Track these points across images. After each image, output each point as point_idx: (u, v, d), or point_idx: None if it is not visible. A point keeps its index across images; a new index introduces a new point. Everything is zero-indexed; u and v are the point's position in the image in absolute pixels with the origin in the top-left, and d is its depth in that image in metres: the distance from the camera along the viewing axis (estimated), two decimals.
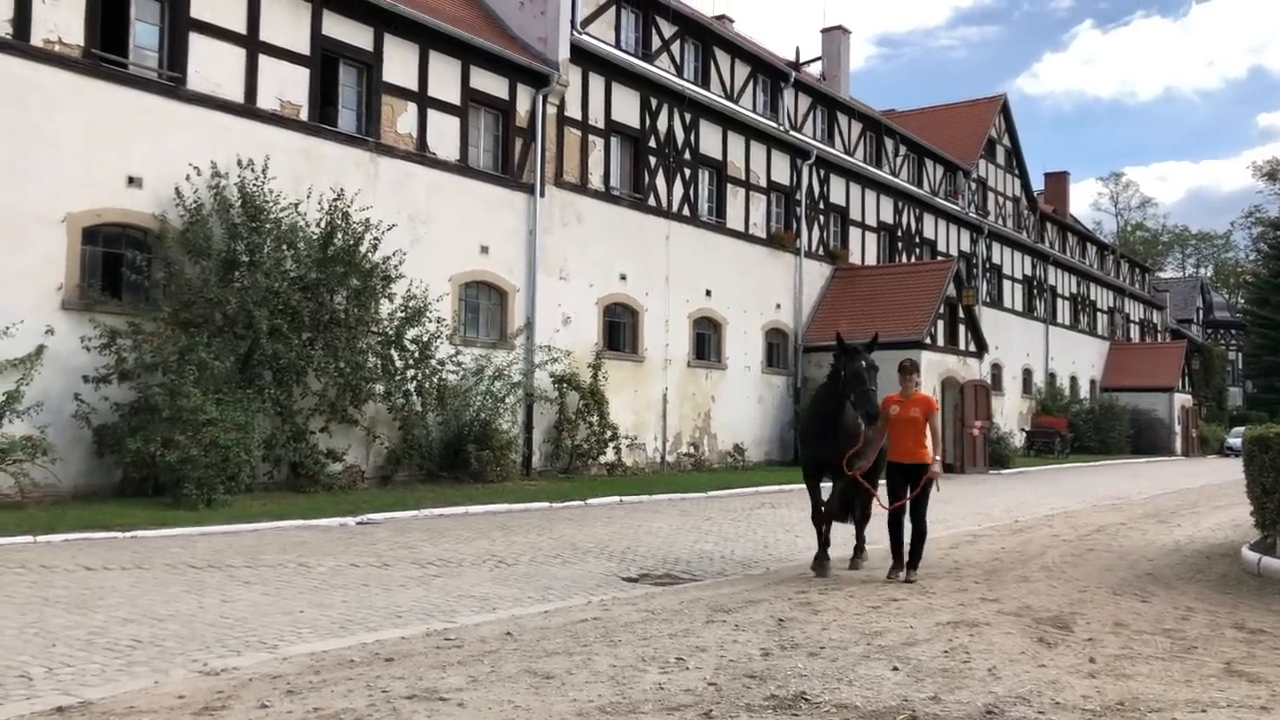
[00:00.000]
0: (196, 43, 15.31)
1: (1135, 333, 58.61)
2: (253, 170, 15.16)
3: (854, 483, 9.62)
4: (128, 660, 5.84)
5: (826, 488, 9.91)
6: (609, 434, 21.07)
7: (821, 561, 9.55)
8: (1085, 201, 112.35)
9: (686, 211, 24.92)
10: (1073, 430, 41.58)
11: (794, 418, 26.93)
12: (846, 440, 9.51)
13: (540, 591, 8.45)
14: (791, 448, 26.82)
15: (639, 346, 23.29)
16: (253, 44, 16.03)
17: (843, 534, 10.37)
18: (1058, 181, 55.90)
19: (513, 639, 6.45)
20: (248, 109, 15.89)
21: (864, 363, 9.29)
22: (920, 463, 9.34)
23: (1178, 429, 48.12)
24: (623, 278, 22.90)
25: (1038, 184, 51.90)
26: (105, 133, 14.17)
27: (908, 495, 9.39)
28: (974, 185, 41.01)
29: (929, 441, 9.40)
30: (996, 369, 38.52)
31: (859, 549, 10.11)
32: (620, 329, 23.18)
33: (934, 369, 27.57)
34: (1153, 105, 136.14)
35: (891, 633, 6.90)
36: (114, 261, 14.44)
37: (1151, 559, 11.11)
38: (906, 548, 9.42)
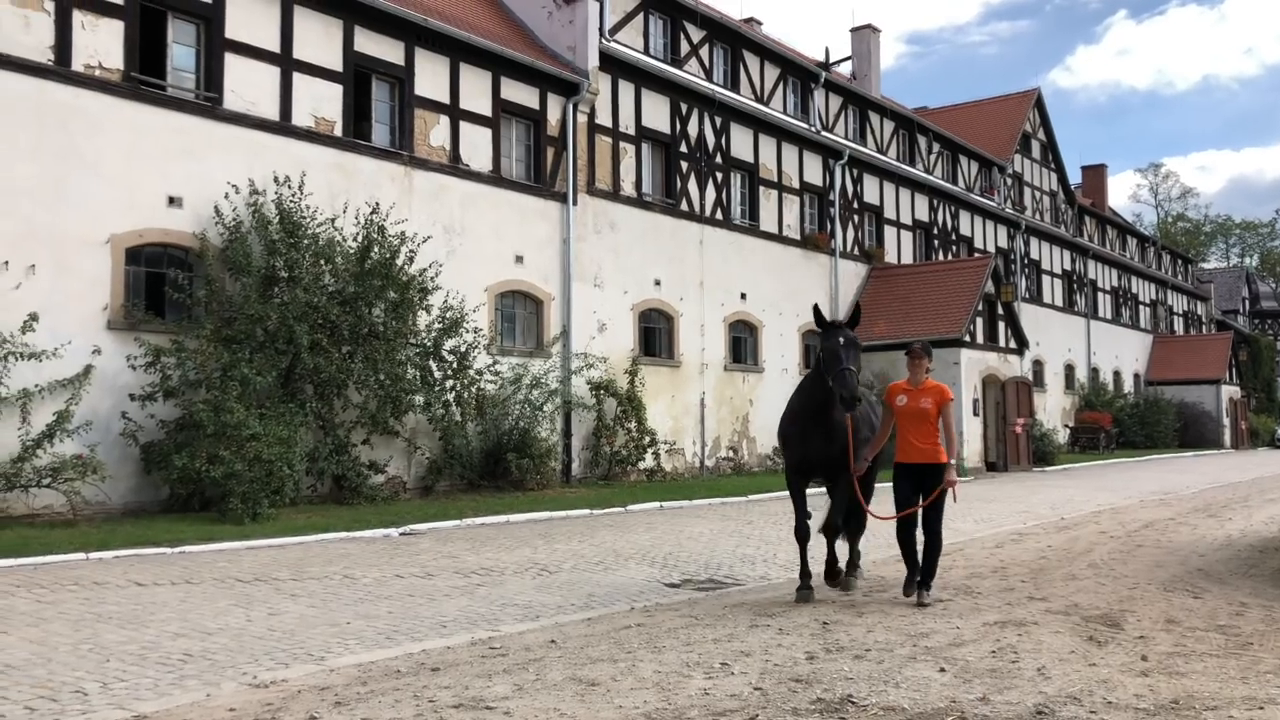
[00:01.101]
0: (232, 63, 15.54)
1: (1179, 325, 57.70)
2: (289, 187, 15.35)
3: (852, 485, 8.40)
4: (179, 674, 5.92)
5: (819, 501, 8.77)
6: (647, 439, 21.07)
7: (806, 591, 8.16)
8: (1124, 194, 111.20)
9: (719, 215, 24.89)
10: (1117, 425, 41.03)
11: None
12: (839, 437, 8.15)
13: (583, 599, 8.47)
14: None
15: (675, 351, 23.28)
16: (286, 62, 16.24)
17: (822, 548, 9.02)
18: (1095, 174, 55.19)
19: (557, 646, 6.47)
20: (283, 126, 16.10)
21: (841, 339, 7.84)
22: (933, 463, 8.02)
23: (1226, 421, 47.31)
24: (657, 283, 22.91)
25: (1075, 177, 51.32)
26: (145, 154, 14.42)
27: (919, 503, 8.04)
28: (1009, 180, 40.62)
29: (942, 438, 8.12)
30: (1038, 365, 38.10)
31: (852, 564, 8.95)
32: (656, 334, 23.19)
33: (974, 367, 27.32)
34: (1190, 95, 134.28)
35: (937, 634, 6.83)
36: (156, 281, 14.67)
37: (1203, 554, 10.93)
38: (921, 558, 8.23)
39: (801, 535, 8.43)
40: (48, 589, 8.62)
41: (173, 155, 14.69)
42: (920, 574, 8.06)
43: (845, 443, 8.13)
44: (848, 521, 8.78)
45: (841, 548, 8.88)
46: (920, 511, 8.06)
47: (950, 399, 8.20)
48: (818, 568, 8.56)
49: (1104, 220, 50.80)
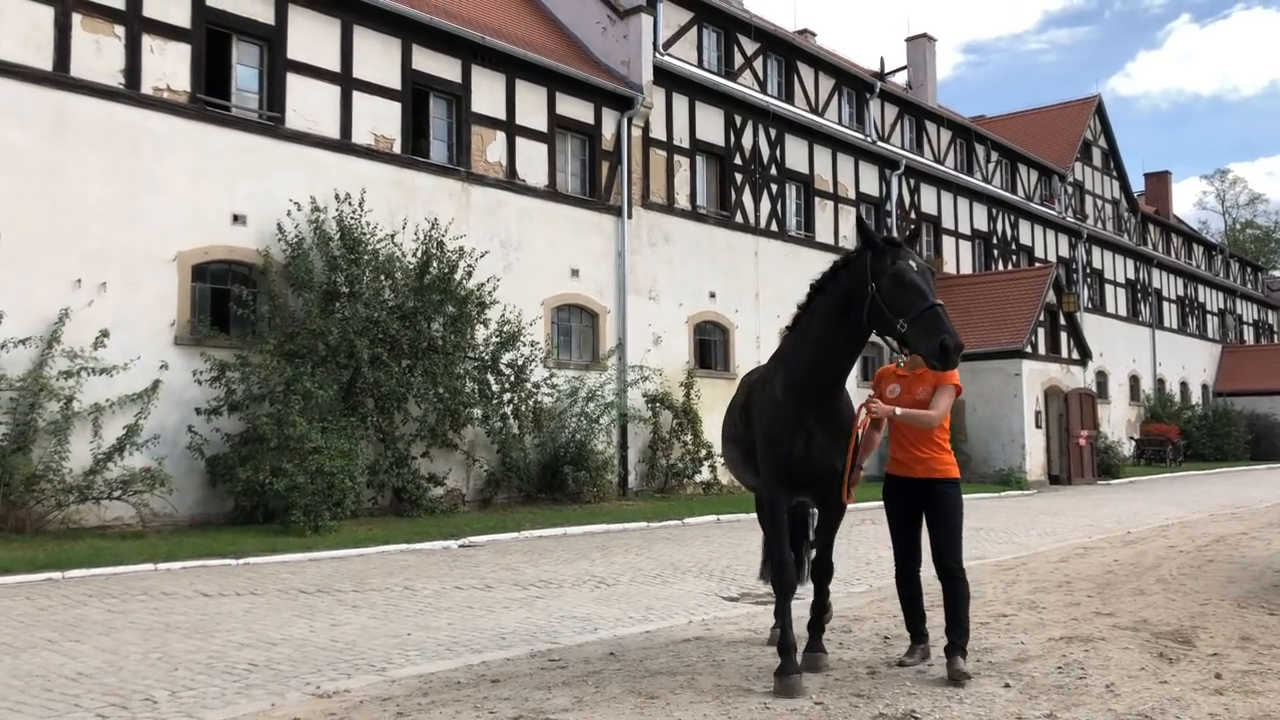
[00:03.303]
0: (294, 83, 15.86)
1: (1249, 334, 56.23)
2: (350, 203, 15.60)
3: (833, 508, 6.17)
4: (245, 683, 6.02)
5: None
6: (704, 452, 21.02)
7: (796, 678, 5.59)
8: (1189, 201, 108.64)
9: (774, 227, 24.81)
10: (1185, 437, 40.03)
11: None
12: (846, 435, 5.93)
13: (641, 611, 8.45)
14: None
15: (730, 364, 23.21)
16: (346, 81, 16.53)
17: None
18: (1159, 182, 54.08)
19: (616, 659, 6.46)
20: (343, 144, 16.38)
21: (915, 264, 5.54)
22: (940, 478, 6.04)
23: None
24: (712, 295, 22.88)
25: (1137, 185, 50.34)
26: (211, 173, 14.76)
27: (920, 525, 6.17)
28: (1070, 189, 39.96)
29: (948, 437, 6.20)
30: (1101, 376, 37.36)
31: (818, 624, 6.30)
32: (711, 347, 23.15)
33: (1036, 378, 26.86)
34: (1257, 99, 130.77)
35: (1002, 649, 6.71)
36: (221, 297, 14.98)
37: (1278, 570, 10.61)
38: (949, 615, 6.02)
39: (789, 579, 5.98)
40: (118, 599, 8.82)
41: (237, 174, 15.02)
42: (951, 629, 5.94)
43: (850, 444, 5.98)
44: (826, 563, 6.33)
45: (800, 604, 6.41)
46: (925, 545, 6.16)
47: (953, 383, 6.02)
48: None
49: (1169, 228, 49.74)
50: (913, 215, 29.91)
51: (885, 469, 6.33)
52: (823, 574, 6.31)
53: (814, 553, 6.42)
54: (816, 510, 6.51)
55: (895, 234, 5.82)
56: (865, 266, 5.67)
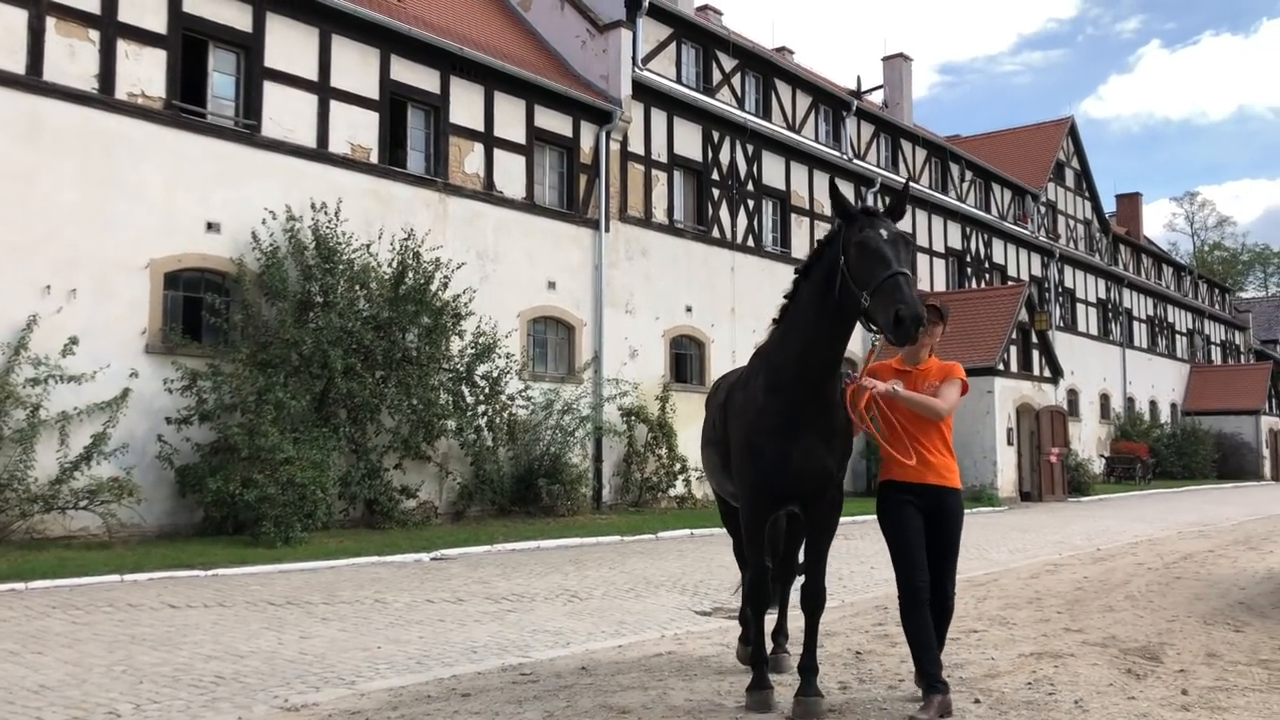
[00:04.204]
0: (271, 91, 15.79)
1: (1217, 354, 56.91)
2: (326, 213, 15.53)
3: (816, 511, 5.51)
4: (211, 696, 5.95)
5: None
6: (678, 466, 21.02)
7: (766, 693, 5.48)
8: (1159, 223, 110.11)
9: (751, 242, 24.91)
10: (1154, 455, 40.45)
11: (865, 446, 26.57)
12: (841, 436, 5.44)
13: (614, 626, 8.43)
14: (864, 476, 26.46)
15: (706, 378, 23.23)
16: (324, 90, 16.48)
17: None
18: (1130, 203, 54.73)
19: (588, 674, 6.43)
20: (320, 153, 16.32)
21: (884, 231, 5.05)
22: (952, 486, 5.51)
23: (1266, 452, 46.51)
24: (688, 310, 22.93)
25: (1109, 206, 50.88)
26: (185, 180, 14.65)
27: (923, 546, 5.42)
28: (1043, 209, 40.38)
29: (950, 442, 5.55)
30: (1073, 394, 37.70)
31: (810, 667, 5.45)
32: (687, 360, 23.18)
33: (1008, 395, 27.06)
34: (1225, 124, 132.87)
35: (972, 664, 6.74)
36: (194, 305, 14.87)
37: (1244, 587, 10.72)
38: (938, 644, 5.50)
39: (763, 596, 5.63)
40: (83, 610, 8.70)
41: (212, 181, 14.92)
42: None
43: (846, 446, 5.48)
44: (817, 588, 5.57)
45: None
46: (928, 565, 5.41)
47: (960, 377, 5.53)
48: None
49: (1139, 249, 50.33)
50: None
51: (879, 476, 5.60)
52: (814, 603, 5.51)
53: (801, 578, 5.69)
54: (804, 528, 5.75)
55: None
56: (839, 239, 5.19)
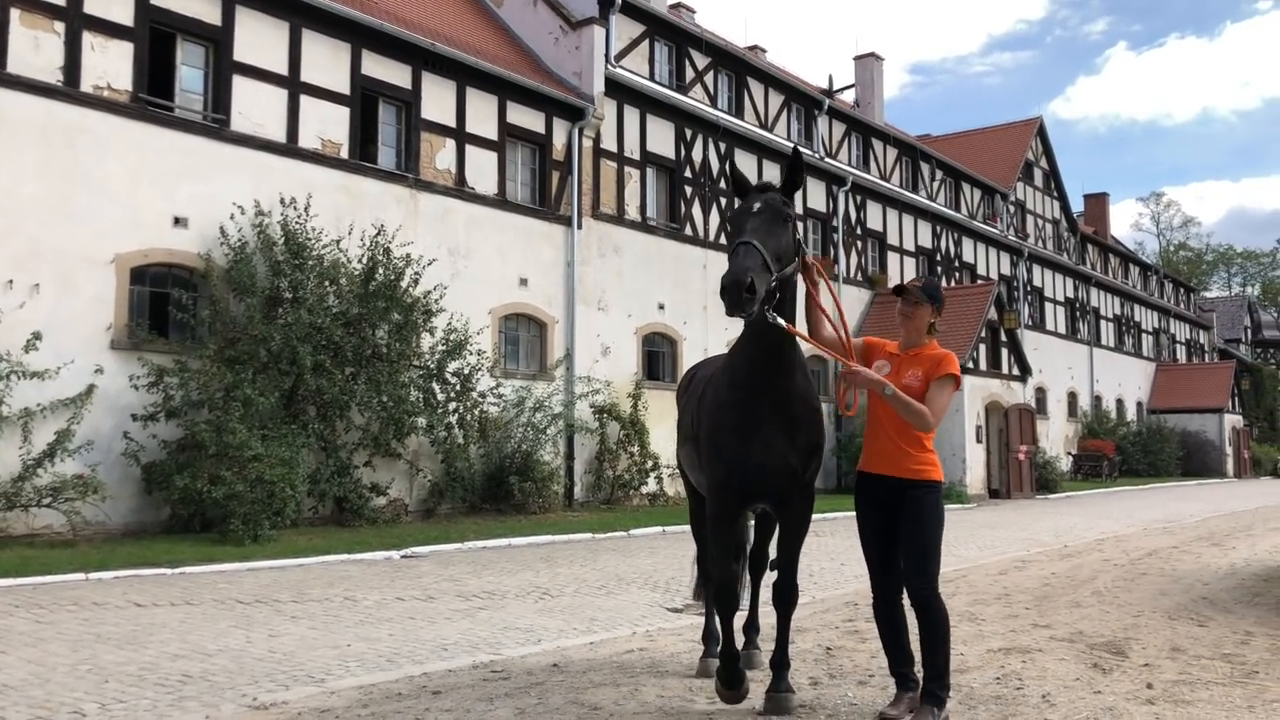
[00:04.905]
0: (240, 85, 15.63)
1: (1182, 353, 57.68)
2: (295, 208, 15.40)
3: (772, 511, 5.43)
4: (178, 695, 5.88)
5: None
6: (650, 464, 21.03)
7: (734, 670, 5.36)
8: (1126, 223, 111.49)
9: (723, 240, 24.94)
10: (1120, 453, 40.94)
11: (836, 444, 26.73)
12: (808, 428, 5.25)
13: (585, 623, 8.42)
14: (835, 474, 26.60)
15: (678, 376, 23.24)
16: (294, 85, 16.33)
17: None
18: (1097, 203, 55.34)
19: (559, 671, 6.42)
20: (290, 148, 16.17)
21: (758, 203, 4.91)
22: (914, 479, 5.08)
23: (1229, 450, 47.18)
24: (661, 307, 22.93)
25: (1077, 206, 51.43)
26: (152, 174, 14.48)
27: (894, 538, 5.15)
28: (1012, 208, 40.73)
29: (930, 435, 5.12)
30: (1041, 393, 38.06)
31: (782, 661, 5.49)
32: (659, 358, 23.19)
33: (977, 394, 27.28)
34: (1189, 126, 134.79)
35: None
36: (161, 301, 14.70)
37: (1207, 583, 10.87)
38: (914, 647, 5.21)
39: (731, 598, 5.44)
40: (46, 609, 8.58)
41: (179, 176, 14.75)
42: (927, 670, 5.08)
43: (818, 439, 5.28)
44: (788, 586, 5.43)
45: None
46: (904, 562, 5.13)
47: (949, 373, 5.14)
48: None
49: (1106, 248, 50.89)
50: (859, 231, 30.27)
51: (858, 467, 5.35)
52: (786, 600, 5.38)
53: (774, 575, 5.56)
54: (776, 525, 5.65)
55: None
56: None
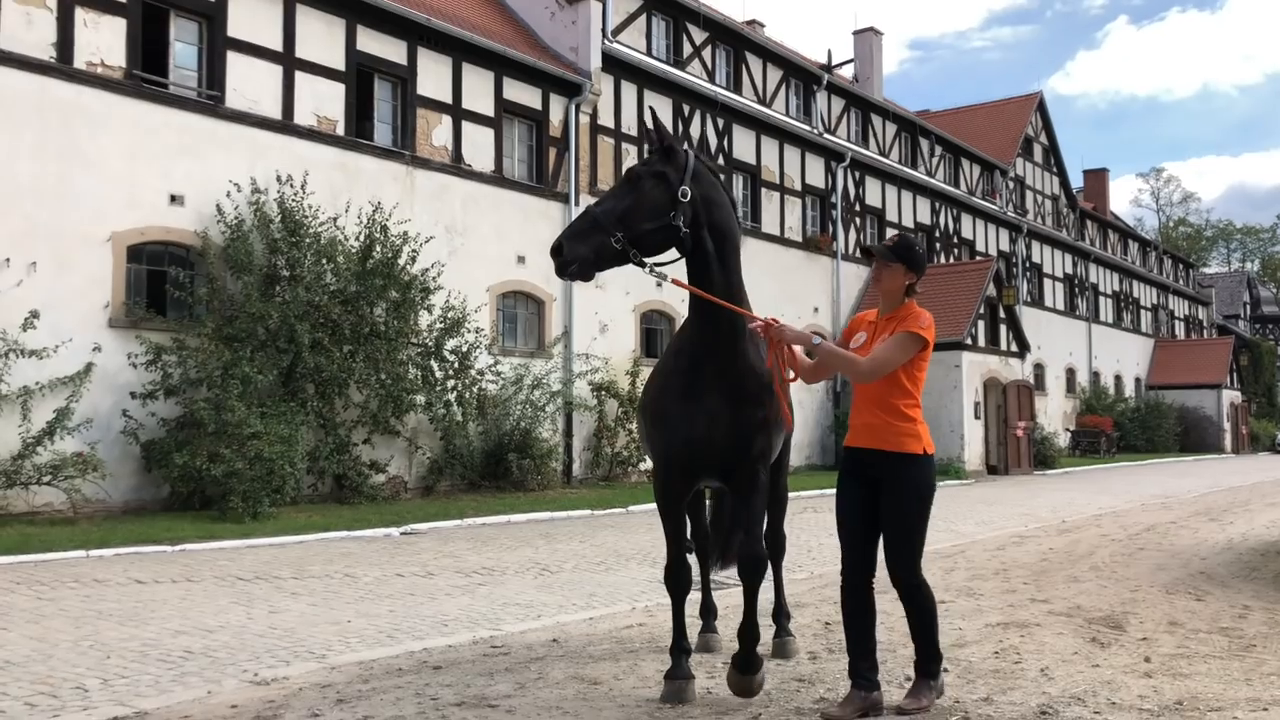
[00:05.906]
0: (235, 61, 15.53)
1: (1180, 329, 57.70)
2: (291, 186, 15.34)
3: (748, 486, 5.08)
4: (180, 671, 5.90)
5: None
6: None
7: (683, 683, 5.06)
8: (1125, 198, 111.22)
9: None
10: (1118, 429, 41.03)
11: (834, 421, 26.76)
12: (753, 398, 4.96)
13: (584, 599, 8.45)
14: (833, 451, 26.63)
15: None
16: (289, 61, 16.23)
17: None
18: (1097, 179, 55.18)
19: (559, 646, 6.45)
20: (285, 125, 16.09)
21: (638, 169, 5.04)
22: (893, 450, 4.74)
23: (1227, 426, 47.31)
24: (659, 285, 22.85)
25: (1076, 182, 51.28)
26: (147, 152, 14.41)
27: (871, 517, 4.85)
28: (1011, 184, 40.61)
29: (912, 401, 4.81)
30: (1039, 369, 38.07)
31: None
32: (658, 336, 23.17)
33: (976, 370, 27.30)
34: (1190, 101, 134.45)
35: (940, 635, 6.80)
36: (158, 279, 14.66)
37: (1205, 557, 10.91)
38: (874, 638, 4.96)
39: (681, 580, 5.21)
40: (48, 586, 8.61)
41: (175, 153, 14.68)
42: (920, 650, 4.93)
43: (768, 415, 4.99)
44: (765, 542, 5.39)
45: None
46: (883, 543, 4.84)
47: (911, 329, 4.74)
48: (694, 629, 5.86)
49: (1105, 224, 50.79)
50: (857, 207, 30.19)
51: (846, 442, 5.05)
52: (752, 568, 5.01)
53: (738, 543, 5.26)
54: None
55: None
56: None
